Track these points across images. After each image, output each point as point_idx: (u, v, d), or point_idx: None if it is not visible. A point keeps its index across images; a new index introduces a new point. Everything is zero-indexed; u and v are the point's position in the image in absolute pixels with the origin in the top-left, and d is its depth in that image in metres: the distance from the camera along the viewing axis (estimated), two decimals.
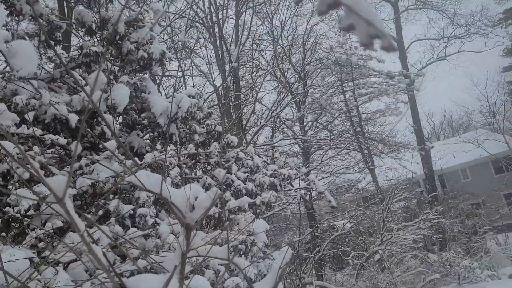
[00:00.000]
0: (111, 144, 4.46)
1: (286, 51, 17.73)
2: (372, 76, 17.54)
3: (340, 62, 17.20)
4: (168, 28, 16.42)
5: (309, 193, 15.67)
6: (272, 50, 17.82)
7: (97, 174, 3.53)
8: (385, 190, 17.37)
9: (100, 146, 4.16)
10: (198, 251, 1.80)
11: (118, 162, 3.39)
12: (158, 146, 4.50)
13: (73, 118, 3.75)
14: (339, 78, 17.80)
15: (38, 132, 3.83)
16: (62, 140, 3.07)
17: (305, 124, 18.02)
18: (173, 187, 3.46)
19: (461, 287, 11.92)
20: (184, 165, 4.26)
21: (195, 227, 1.83)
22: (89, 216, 3.34)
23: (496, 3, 26.15)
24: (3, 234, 3.01)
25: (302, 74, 17.81)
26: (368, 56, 17.20)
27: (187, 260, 2.16)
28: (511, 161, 26.36)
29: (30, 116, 3.17)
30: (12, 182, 3.71)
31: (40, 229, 2.55)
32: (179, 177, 3.60)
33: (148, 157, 3.53)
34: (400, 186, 15.83)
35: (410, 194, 16.27)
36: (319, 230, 17.04)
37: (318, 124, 18.15)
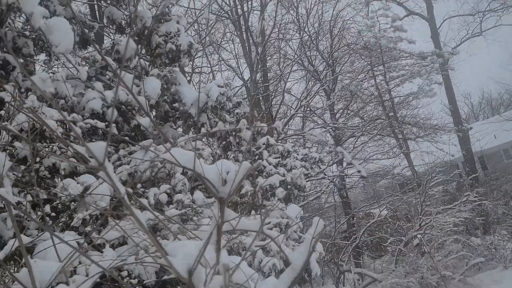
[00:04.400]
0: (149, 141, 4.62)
1: (312, 38, 17.55)
2: (403, 58, 17.12)
3: (369, 46, 16.86)
4: (195, 24, 16.63)
5: (343, 181, 15.50)
6: (299, 38, 17.71)
7: (135, 163, 3.69)
8: (421, 174, 16.98)
9: (137, 138, 4.34)
10: (232, 224, 1.88)
11: (153, 152, 3.53)
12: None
13: (108, 113, 3.93)
14: (369, 62, 17.47)
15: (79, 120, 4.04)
16: (100, 124, 3.24)
17: (335, 111, 17.83)
18: None
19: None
20: (216, 153, 4.37)
21: (228, 200, 1.91)
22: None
23: None
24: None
25: (330, 61, 17.60)
26: (398, 38, 16.79)
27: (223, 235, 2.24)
28: None
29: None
30: (57, 175, 3.94)
31: (86, 210, 2.71)
32: (211, 157, 3.72)
33: (181, 140, 3.65)
34: (437, 169, 15.41)
35: (448, 177, 15.83)
36: (355, 218, 16.90)
37: (349, 111, 17.91)
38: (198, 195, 3.36)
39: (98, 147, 0.97)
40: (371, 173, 17.84)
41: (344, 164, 14.51)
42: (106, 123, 3.74)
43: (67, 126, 3.72)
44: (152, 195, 3.50)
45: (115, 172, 3.75)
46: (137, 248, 2.32)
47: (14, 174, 3.19)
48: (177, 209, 3.46)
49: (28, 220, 2.91)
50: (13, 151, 3.51)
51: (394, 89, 18.38)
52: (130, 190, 2.71)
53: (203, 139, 4.99)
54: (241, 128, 4.23)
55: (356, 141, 17.20)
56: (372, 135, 17.24)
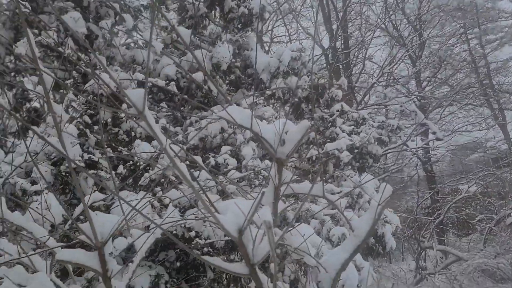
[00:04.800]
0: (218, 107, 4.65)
1: (398, 1, 16.31)
2: (502, 19, 15.26)
3: (463, 7, 15.26)
4: None
5: (427, 154, 14.53)
6: (383, 1, 16.56)
7: (206, 129, 3.74)
8: None
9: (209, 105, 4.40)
10: (291, 186, 1.80)
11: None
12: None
13: (181, 80, 4.01)
14: (462, 25, 15.85)
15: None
16: (160, 82, 3.32)
17: (421, 79, 16.60)
18: None
19: None
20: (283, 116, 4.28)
21: (286, 162, 1.81)
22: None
23: None
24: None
25: (417, 25, 16.27)
26: None
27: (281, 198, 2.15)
28: None
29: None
30: (135, 139, 4.16)
31: (152, 169, 2.82)
32: (274, 120, 3.66)
33: (244, 104, 3.62)
34: None
35: None
36: (439, 193, 15.92)
37: (436, 79, 16.56)
38: (247, 150, 3.33)
39: (136, 94, 0.93)
40: (460, 145, 16.51)
41: (429, 136, 13.58)
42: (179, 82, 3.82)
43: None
44: (222, 159, 3.54)
45: (187, 138, 3.84)
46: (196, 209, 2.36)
47: (95, 137, 3.41)
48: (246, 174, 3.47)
49: (107, 180, 3.12)
50: (95, 115, 3.75)
51: (491, 54, 16.55)
52: (184, 147, 2.75)
53: (273, 106, 4.92)
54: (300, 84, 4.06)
55: (443, 111, 15.94)
56: (463, 105, 15.85)
